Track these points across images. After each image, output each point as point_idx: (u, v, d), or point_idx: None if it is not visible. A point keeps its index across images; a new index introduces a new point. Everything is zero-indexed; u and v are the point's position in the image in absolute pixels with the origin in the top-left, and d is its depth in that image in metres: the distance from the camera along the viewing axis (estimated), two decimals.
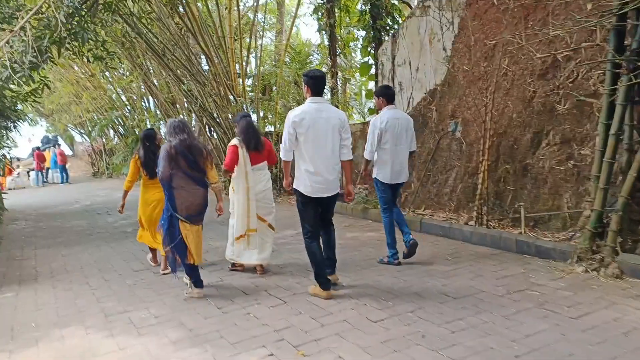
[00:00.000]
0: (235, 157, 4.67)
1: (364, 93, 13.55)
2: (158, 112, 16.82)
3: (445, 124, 7.15)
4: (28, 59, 6.70)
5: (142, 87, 15.89)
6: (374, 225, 7.21)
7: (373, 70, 10.82)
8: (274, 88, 14.16)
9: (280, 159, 4.30)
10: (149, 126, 17.92)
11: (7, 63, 6.55)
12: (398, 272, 4.77)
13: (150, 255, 5.70)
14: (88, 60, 8.71)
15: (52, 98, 18.99)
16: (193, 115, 15.66)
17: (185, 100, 13.92)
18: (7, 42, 6.70)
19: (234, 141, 4.78)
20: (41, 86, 7.98)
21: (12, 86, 8.46)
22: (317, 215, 4.06)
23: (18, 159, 25.50)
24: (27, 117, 10.41)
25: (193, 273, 4.29)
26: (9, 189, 20.68)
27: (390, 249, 4.99)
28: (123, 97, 17.84)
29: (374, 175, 4.92)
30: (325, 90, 4.29)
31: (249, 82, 13.17)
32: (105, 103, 18.10)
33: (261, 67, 13.13)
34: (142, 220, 5.42)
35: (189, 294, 4.32)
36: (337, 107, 11.75)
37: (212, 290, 4.47)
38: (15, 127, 10.83)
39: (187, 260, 4.20)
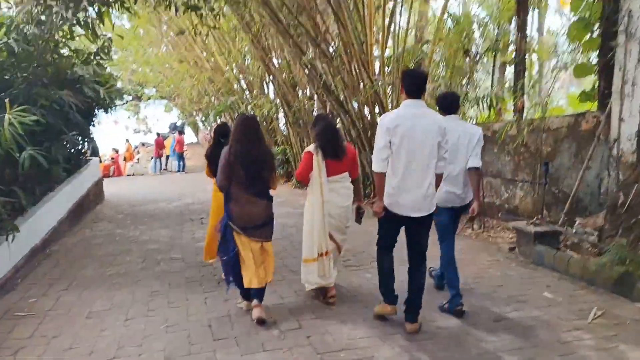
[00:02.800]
0: (309, 165, 3.96)
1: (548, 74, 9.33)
2: (275, 97, 14.32)
3: None
4: None
5: (260, 67, 13.44)
6: None
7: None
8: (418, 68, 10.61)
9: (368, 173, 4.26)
10: (265, 113, 15.60)
11: None
12: None
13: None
14: (176, 11, 6.12)
15: (170, 80, 17.70)
16: (315, 101, 12.81)
17: (307, 81, 11.04)
18: None
19: (310, 147, 4.04)
20: (105, 43, 5.53)
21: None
22: (396, 233, 3.50)
23: (143, 145, 25.49)
24: (113, 101, 8.31)
25: (242, 288, 3.74)
26: (128, 175, 20.18)
27: (451, 288, 3.78)
28: (241, 80, 15.68)
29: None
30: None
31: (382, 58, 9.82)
32: (222, 86, 16.18)
33: (405, 42, 9.68)
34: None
35: (239, 304, 3.88)
36: (523, 92, 7.99)
37: None
38: (107, 108, 8.90)
39: (242, 282, 3.67)
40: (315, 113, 12.52)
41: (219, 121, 19.63)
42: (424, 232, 3.42)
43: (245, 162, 3.50)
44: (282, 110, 13.17)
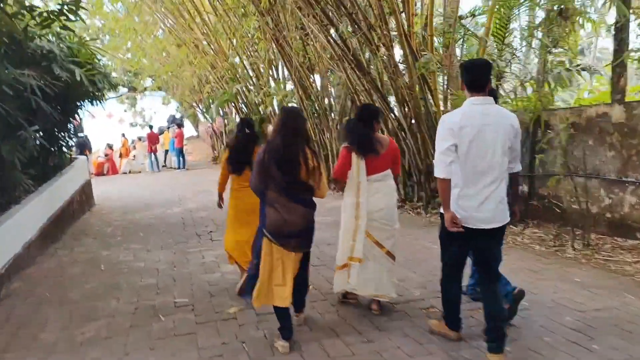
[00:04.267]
0: (347, 162, 3.59)
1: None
2: (288, 85, 12.52)
3: None
4: None
5: (272, 48, 11.65)
6: None
7: None
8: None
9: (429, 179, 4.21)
10: (275, 104, 13.85)
11: None
12: None
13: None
14: None
15: (167, 67, 15.90)
16: (330, 91, 11.04)
17: (330, 61, 9.24)
18: None
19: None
20: None
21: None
22: (464, 251, 3.05)
23: (140, 139, 23.68)
24: (98, 89, 6.64)
25: (277, 314, 3.16)
26: (124, 173, 18.46)
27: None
28: (247, 65, 13.86)
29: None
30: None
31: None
32: (225, 73, 14.38)
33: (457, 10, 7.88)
34: (230, 236, 4.25)
35: (275, 342, 3.17)
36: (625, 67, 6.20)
37: None
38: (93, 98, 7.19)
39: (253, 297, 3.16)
40: (339, 95, 10.71)
41: (220, 113, 17.88)
42: (495, 247, 2.98)
43: (280, 162, 3.05)
44: (297, 98, 11.38)
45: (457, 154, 2.83)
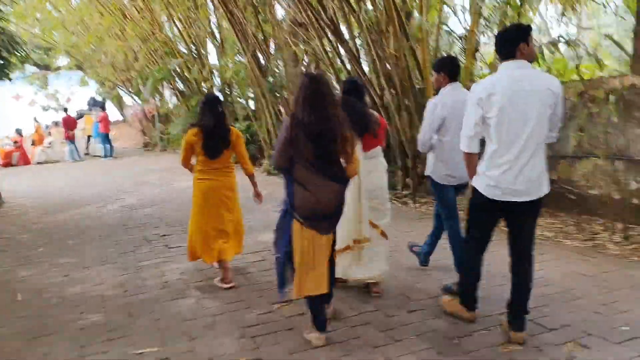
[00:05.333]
0: None
1: None
2: (238, 58, 11.04)
3: None
4: None
5: (218, 14, 10.10)
6: None
7: None
8: None
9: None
10: (216, 82, 12.35)
11: None
12: None
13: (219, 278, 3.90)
14: None
15: (89, 38, 13.70)
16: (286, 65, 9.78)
17: (295, 28, 7.95)
18: None
19: None
20: None
21: None
22: (493, 226, 2.89)
23: (56, 124, 20.90)
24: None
25: (311, 305, 2.89)
26: (38, 163, 15.99)
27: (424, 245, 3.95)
28: (185, 36, 12.10)
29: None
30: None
31: None
32: (159, 47, 12.55)
33: None
34: (194, 227, 3.88)
35: (307, 334, 2.93)
36: None
37: None
38: None
39: (289, 286, 2.91)
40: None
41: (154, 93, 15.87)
42: (530, 222, 2.80)
43: (313, 135, 2.69)
44: (250, 74, 9.97)
45: (485, 126, 2.67)
